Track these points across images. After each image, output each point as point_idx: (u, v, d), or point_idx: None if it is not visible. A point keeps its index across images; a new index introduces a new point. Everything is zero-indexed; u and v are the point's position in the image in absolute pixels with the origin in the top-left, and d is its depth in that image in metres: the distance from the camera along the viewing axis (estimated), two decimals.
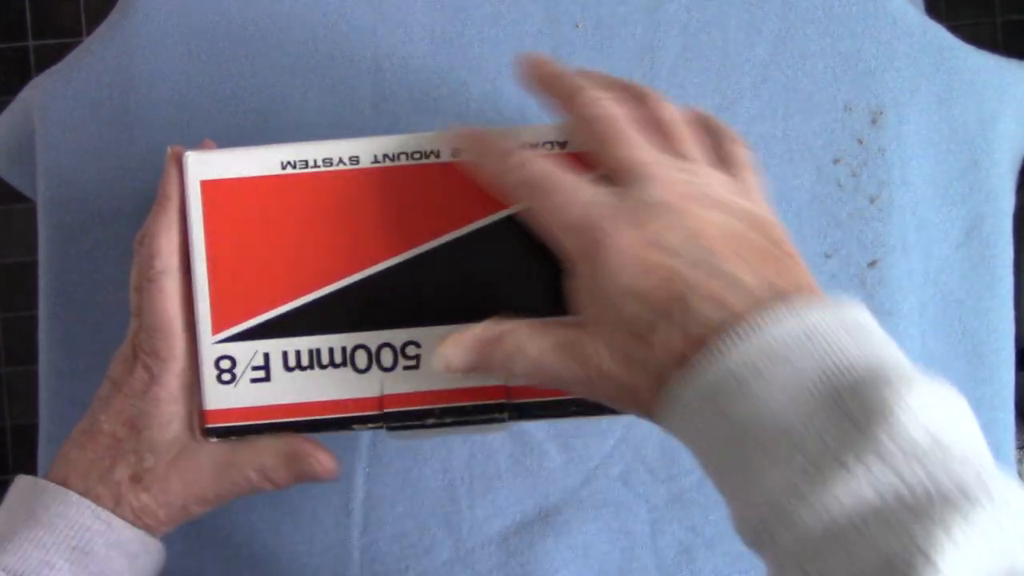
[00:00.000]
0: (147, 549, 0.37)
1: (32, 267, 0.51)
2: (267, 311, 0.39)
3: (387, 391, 0.39)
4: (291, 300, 0.39)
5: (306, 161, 0.39)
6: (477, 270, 0.39)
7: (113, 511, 0.36)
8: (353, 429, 0.39)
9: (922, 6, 0.56)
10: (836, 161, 0.50)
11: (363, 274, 0.39)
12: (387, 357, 0.39)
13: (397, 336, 0.39)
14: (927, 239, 0.50)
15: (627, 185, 0.31)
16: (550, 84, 0.36)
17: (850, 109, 0.50)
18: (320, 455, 0.39)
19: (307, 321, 0.39)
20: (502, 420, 0.39)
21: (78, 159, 0.50)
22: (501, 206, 0.39)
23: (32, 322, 0.51)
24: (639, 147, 0.32)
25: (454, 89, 0.51)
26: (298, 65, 0.51)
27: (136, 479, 0.37)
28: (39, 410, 0.51)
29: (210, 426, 0.39)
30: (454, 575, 0.49)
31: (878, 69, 0.50)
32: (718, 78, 0.51)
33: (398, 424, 0.38)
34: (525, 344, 0.33)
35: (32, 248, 0.51)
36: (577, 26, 0.51)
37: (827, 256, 0.50)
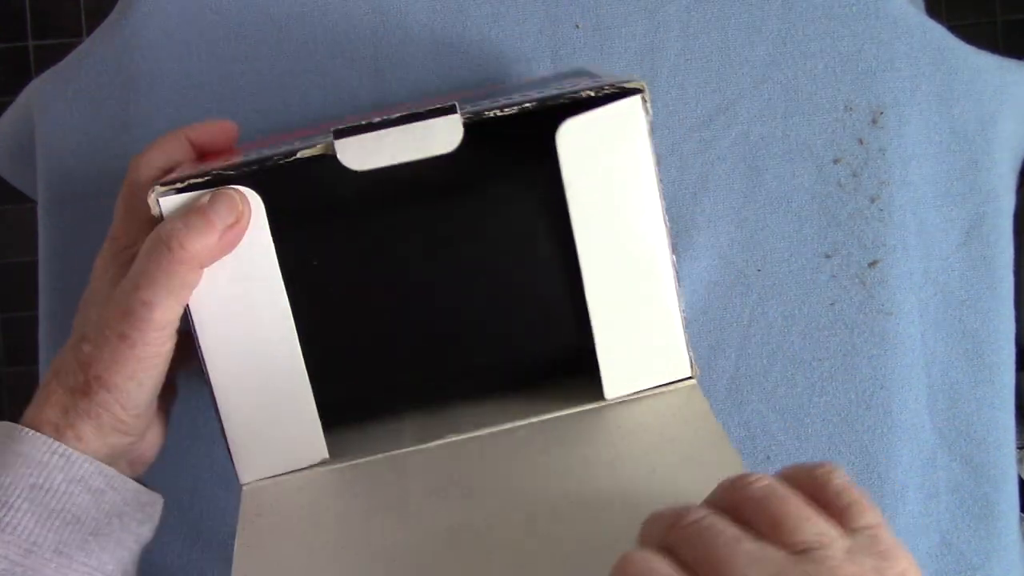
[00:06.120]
0: (112, 485, 0.36)
1: (32, 267, 0.51)
2: None
3: None
4: None
5: None
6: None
7: (69, 425, 0.35)
8: None
9: (922, 6, 0.56)
10: (836, 161, 0.50)
11: None
12: None
13: None
14: (927, 239, 0.50)
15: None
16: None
17: (850, 109, 0.50)
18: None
19: None
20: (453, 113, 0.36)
21: (78, 159, 0.50)
22: None
23: (32, 322, 0.51)
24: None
25: (454, 89, 0.50)
26: (298, 65, 0.51)
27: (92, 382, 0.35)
28: None
29: None
30: None
31: (878, 69, 0.50)
32: (718, 78, 0.51)
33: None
34: None
35: (32, 248, 0.51)
36: (577, 26, 0.51)
37: (827, 256, 0.50)
